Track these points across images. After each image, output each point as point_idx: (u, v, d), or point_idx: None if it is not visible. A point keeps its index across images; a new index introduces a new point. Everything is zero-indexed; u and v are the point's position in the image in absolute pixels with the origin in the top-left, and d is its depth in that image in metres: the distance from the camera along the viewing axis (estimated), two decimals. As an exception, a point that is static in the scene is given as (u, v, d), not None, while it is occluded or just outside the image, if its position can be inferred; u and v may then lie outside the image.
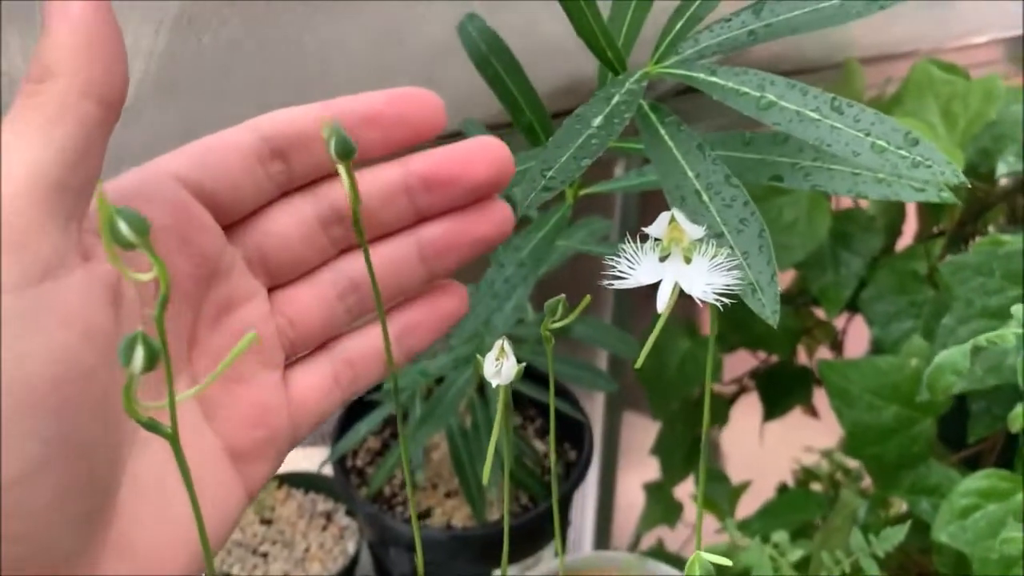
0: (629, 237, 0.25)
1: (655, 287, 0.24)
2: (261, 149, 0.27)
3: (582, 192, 0.48)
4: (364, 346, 0.29)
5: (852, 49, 0.81)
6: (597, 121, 0.32)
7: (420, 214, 0.29)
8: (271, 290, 0.28)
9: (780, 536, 0.63)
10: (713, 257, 0.24)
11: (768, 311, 0.31)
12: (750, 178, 0.36)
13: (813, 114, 0.32)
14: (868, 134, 0.31)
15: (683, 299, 0.25)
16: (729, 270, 0.24)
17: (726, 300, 0.24)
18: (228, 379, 0.27)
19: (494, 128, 0.56)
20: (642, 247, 0.25)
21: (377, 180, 0.28)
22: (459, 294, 0.31)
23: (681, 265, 0.24)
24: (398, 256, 0.29)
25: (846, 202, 0.80)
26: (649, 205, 0.80)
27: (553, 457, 0.29)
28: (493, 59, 0.44)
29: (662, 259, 0.25)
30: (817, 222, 0.75)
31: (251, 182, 0.27)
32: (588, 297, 0.29)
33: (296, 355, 0.29)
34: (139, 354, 0.17)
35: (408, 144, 0.28)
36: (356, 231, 0.25)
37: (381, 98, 0.27)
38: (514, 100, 0.45)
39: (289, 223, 0.28)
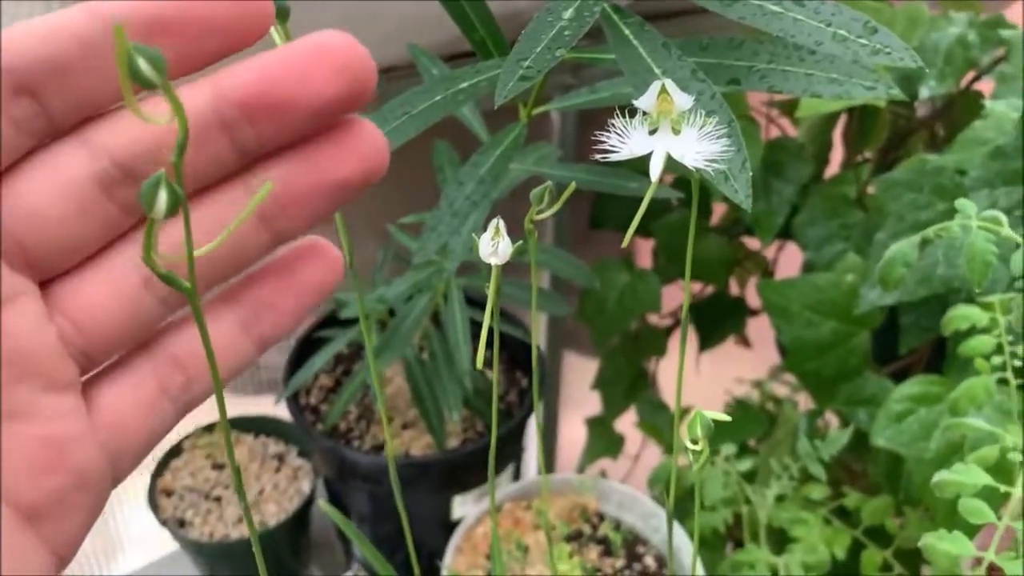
0: (618, 113, 0.26)
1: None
2: None
3: (535, 111, 0.49)
4: (196, 340, 0.22)
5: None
6: (568, 14, 0.32)
7: (247, 155, 0.21)
8: (44, 286, 0.21)
9: (728, 449, 0.65)
10: (702, 127, 0.25)
11: (742, 195, 0.32)
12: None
13: (775, 7, 0.33)
14: (829, 24, 0.32)
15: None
16: (718, 138, 0.25)
17: (718, 167, 0.25)
18: None
19: (442, 59, 0.56)
20: (631, 121, 0.25)
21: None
22: (328, 256, 0.23)
23: (671, 136, 0.25)
24: (226, 218, 0.21)
25: (775, 132, 0.83)
26: (585, 133, 0.81)
27: (535, 353, 0.30)
28: (444, -25, 0.44)
29: (651, 132, 0.25)
30: (749, 152, 0.76)
31: None
32: (574, 184, 0.30)
33: (94, 367, 0.22)
34: (162, 198, 0.17)
35: (220, 57, 0.20)
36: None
37: None
38: (466, 16, 0.45)
39: (50, 189, 0.20)
